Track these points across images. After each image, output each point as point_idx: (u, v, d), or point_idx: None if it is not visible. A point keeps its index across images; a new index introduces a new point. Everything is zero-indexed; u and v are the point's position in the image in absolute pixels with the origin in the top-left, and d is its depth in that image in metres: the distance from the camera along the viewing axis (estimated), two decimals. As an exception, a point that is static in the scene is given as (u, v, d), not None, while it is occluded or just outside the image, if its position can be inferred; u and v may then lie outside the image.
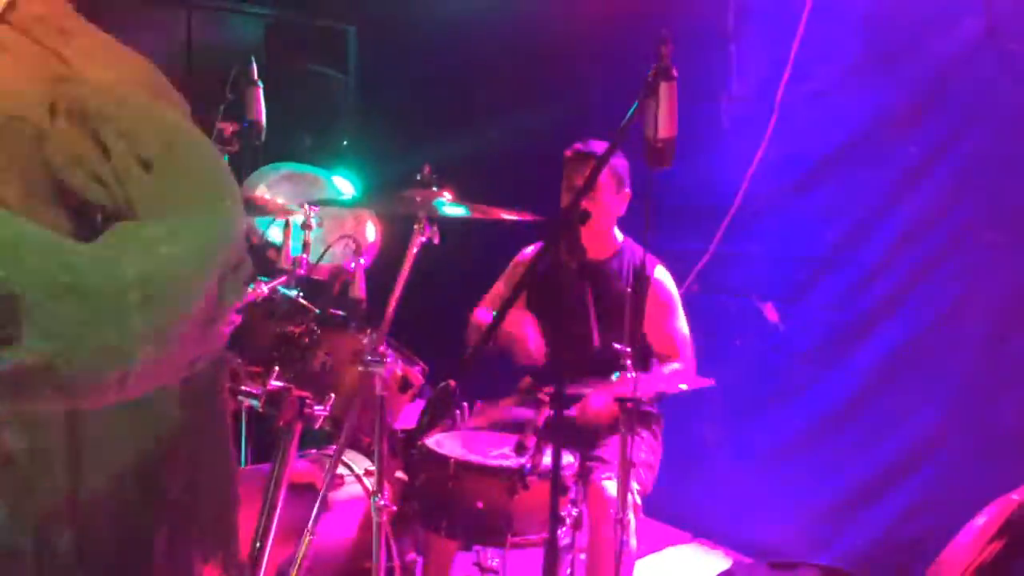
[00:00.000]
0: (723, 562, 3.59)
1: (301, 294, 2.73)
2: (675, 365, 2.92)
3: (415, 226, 2.37)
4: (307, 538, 2.33)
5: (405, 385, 2.66)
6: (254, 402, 2.35)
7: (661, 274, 3.02)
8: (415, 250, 2.37)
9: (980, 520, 2.30)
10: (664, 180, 2.15)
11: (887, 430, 3.20)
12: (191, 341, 0.79)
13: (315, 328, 2.61)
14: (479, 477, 2.37)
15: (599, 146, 2.92)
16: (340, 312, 2.64)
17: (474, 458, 2.44)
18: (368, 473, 2.80)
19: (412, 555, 2.92)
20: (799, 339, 3.51)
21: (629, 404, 2.32)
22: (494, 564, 2.43)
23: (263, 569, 2.30)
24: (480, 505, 2.33)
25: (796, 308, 3.51)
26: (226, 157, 3.02)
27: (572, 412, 2.83)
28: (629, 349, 2.44)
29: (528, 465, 2.26)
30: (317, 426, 2.41)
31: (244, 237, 0.88)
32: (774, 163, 3.52)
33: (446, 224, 2.40)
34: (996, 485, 2.62)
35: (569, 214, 1.77)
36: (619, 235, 3.08)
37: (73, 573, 0.84)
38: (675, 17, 3.65)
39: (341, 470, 2.78)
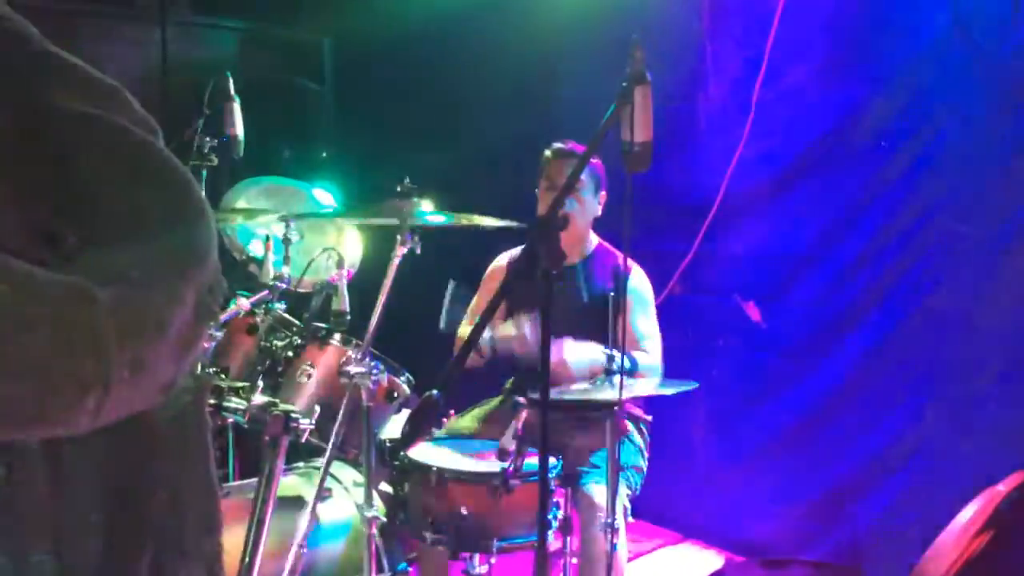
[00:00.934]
0: (715, 561, 3.60)
1: (284, 308, 2.73)
2: (638, 354, 2.82)
3: (397, 236, 2.37)
4: (297, 551, 2.32)
5: (390, 395, 2.66)
6: (239, 418, 2.35)
7: (637, 277, 3.01)
8: (398, 260, 2.38)
9: (967, 513, 2.32)
10: (644, 182, 2.17)
11: (871, 424, 3.23)
12: (167, 364, 0.79)
13: (299, 342, 2.61)
14: (462, 484, 2.37)
15: (579, 148, 2.93)
16: (324, 325, 2.64)
17: (456, 464, 2.44)
18: (356, 485, 2.79)
19: (403, 565, 2.92)
20: (782, 336, 3.53)
21: (616, 407, 2.33)
22: (482, 571, 2.43)
23: (253, 585, 2.29)
24: (464, 511, 2.33)
25: (778, 306, 3.53)
26: (204, 173, 3.02)
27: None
28: (613, 350, 2.45)
29: (510, 469, 2.26)
30: (303, 440, 2.40)
31: (218, 258, 0.87)
32: (752, 162, 3.54)
33: (426, 233, 2.41)
34: (980, 475, 2.65)
35: (549, 219, 1.77)
36: (594, 238, 3.08)
37: (55, 599, 0.83)
38: (650, 18, 3.67)
39: (329, 482, 2.77)
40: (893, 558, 3.10)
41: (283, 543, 2.40)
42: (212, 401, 2.42)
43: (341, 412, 2.38)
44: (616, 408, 2.34)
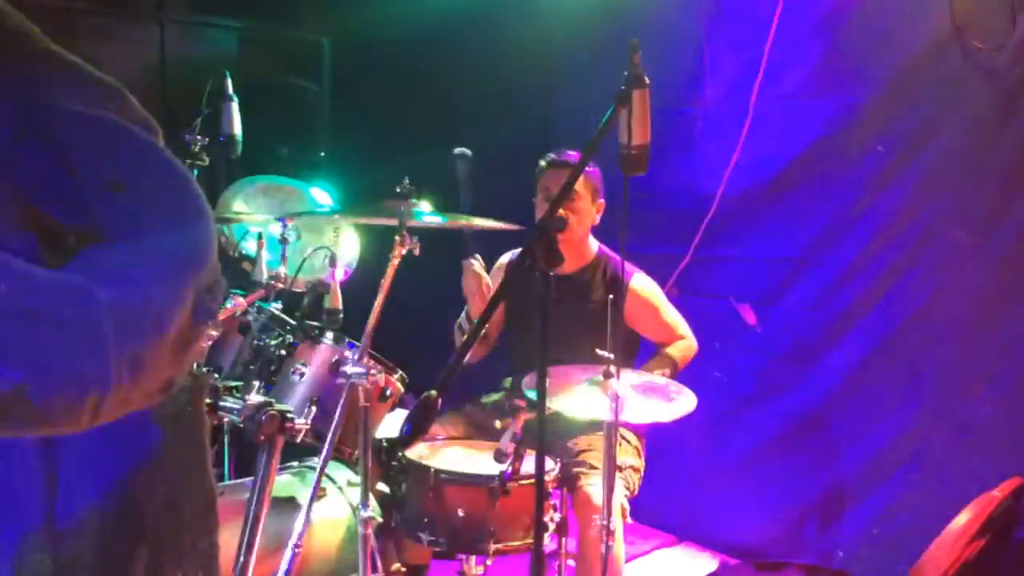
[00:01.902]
0: (710, 564, 3.61)
1: (279, 307, 2.72)
2: (681, 343, 3.01)
3: (396, 237, 2.37)
4: (292, 551, 2.31)
5: (385, 395, 2.66)
6: (234, 417, 2.34)
7: (639, 280, 3.02)
8: (396, 261, 2.37)
9: (963, 518, 2.33)
10: (641, 186, 2.17)
11: (866, 428, 3.23)
12: (166, 364, 0.79)
13: (291, 340, 2.60)
14: (459, 485, 2.37)
15: (573, 156, 2.94)
16: (316, 323, 2.64)
17: (454, 466, 2.44)
18: (350, 485, 2.78)
19: (397, 565, 2.91)
20: (778, 340, 3.54)
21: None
22: (478, 572, 2.43)
23: (247, 584, 2.28)
24: (461, 513, 2.33)
25: (774, 309, 3.54)
26: (196, 172, 3.01)
27: None
28: (612, 356, 2.44)
29: (508, 472, 2.26)
30: (299, 440, 2.40)
31: (218, 257, 0.87)
32: (749, 166, 3.54)
33: (424, 233, 2.40)
34: (975, 481, 2.65)
35: (547, 221, 1.77)
36: (594, 244, 3.08)
37: (51, 599, 0.83)
38: (649, 22, 3.68)
39: (324, 482, 2.76)
40: (888, 563, 3.10)
41: (277, 543, 2.39)
42: (208, 400, 2.41)
43: (338, 412, 2.37)
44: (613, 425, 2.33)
